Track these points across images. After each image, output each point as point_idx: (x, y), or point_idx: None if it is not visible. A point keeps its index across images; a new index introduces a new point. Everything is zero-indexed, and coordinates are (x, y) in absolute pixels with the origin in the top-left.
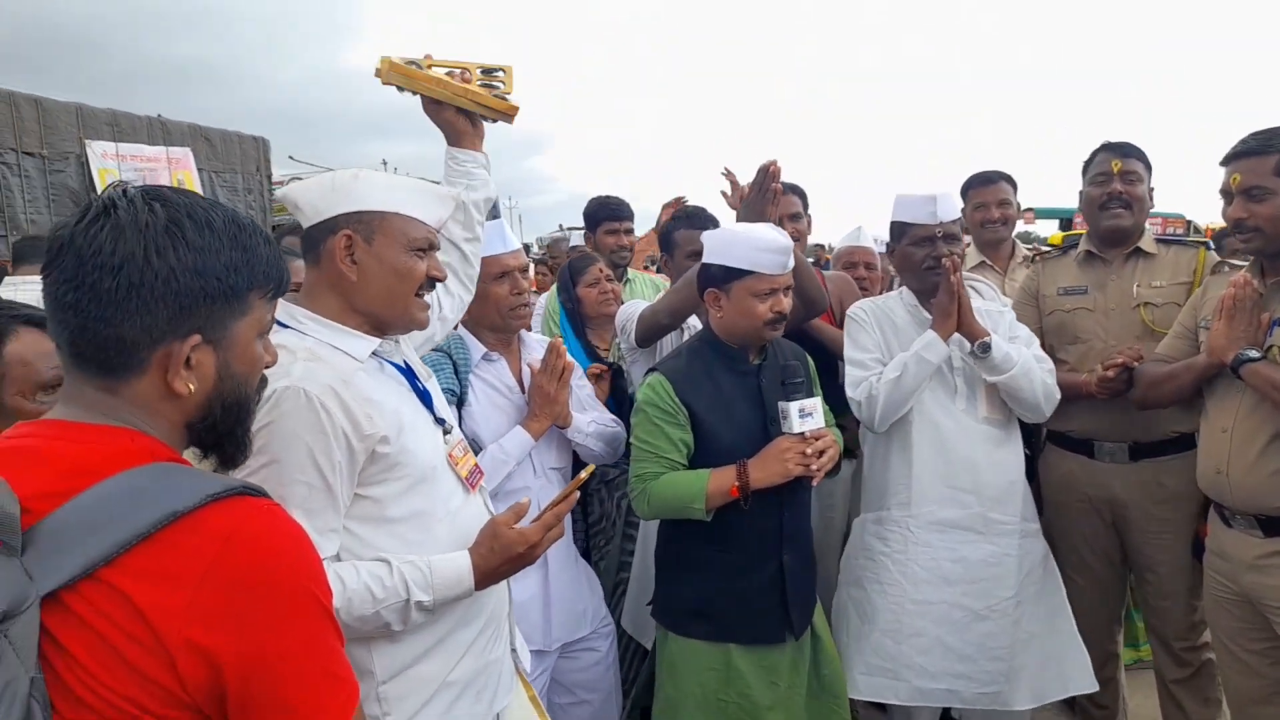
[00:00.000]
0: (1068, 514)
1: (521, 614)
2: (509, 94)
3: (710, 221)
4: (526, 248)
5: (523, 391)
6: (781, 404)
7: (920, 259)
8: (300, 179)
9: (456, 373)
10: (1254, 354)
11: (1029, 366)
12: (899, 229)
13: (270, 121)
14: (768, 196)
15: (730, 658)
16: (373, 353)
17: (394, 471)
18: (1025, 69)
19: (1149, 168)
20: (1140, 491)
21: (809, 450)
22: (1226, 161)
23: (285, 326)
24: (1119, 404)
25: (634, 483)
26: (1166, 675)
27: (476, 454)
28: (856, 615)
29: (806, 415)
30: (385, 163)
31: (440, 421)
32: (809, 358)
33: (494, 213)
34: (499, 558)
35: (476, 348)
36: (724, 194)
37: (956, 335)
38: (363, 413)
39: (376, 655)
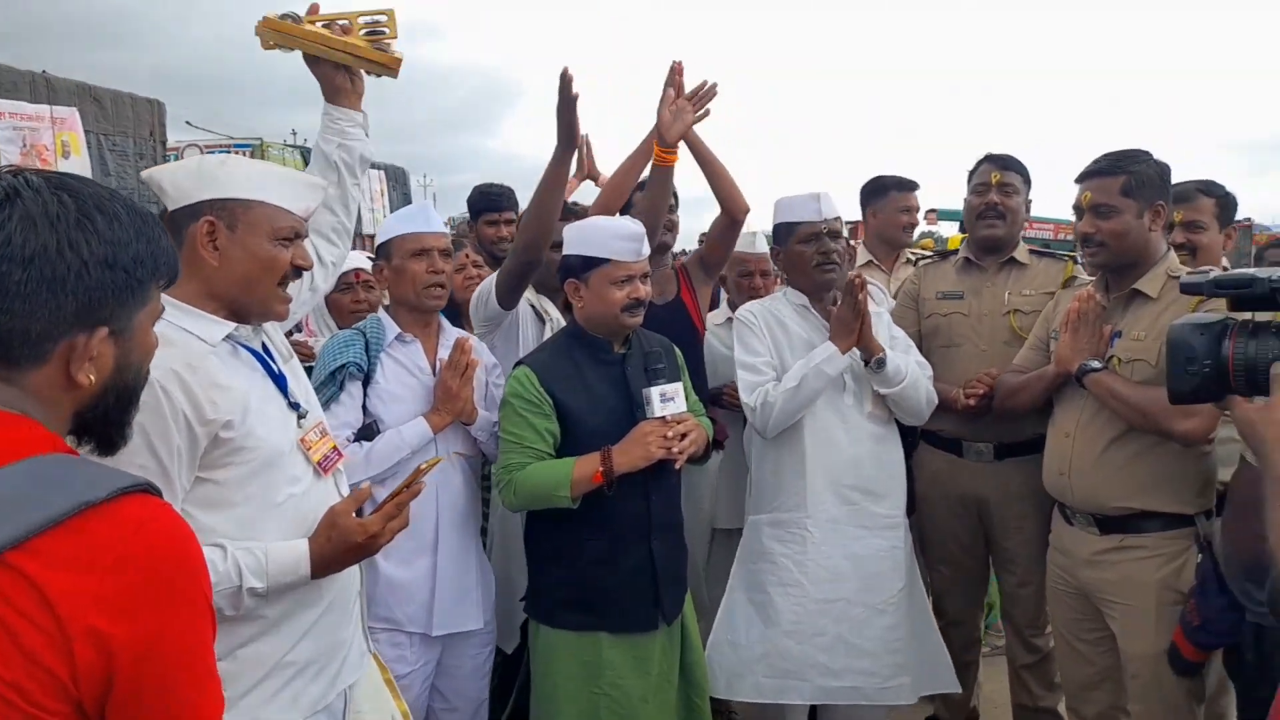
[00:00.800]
0: (938, 509)
1: (406, 595)
2: (393, 40)
3: (576, 214)
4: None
5: (435, 377)
6: (644, 389)
7: (809, 256)
8: (197, 146)
9: (367, 349)
10: (1096, 364)
11: (916, 378)
12: (785, 230)
13: (170, 84)
14: (567, 101)
15: (601, 648)
16: (227, 336)
17: (238, 455)
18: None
19: (1027, 181)
20: (1003, 489)
21: (670, 433)
22: (1080, 179)
23: None
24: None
25: (500, 474)
26: (1017, 660)
27: (375, 435)
28: (760, 620)
29: (668, 399)
30: (295, 133)
31: (295, 406)
32: (676, 349)
33: (404, 184)
34: (336, 547)
35: (392, 329)
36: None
37: None
38: (206, 397)
39: None
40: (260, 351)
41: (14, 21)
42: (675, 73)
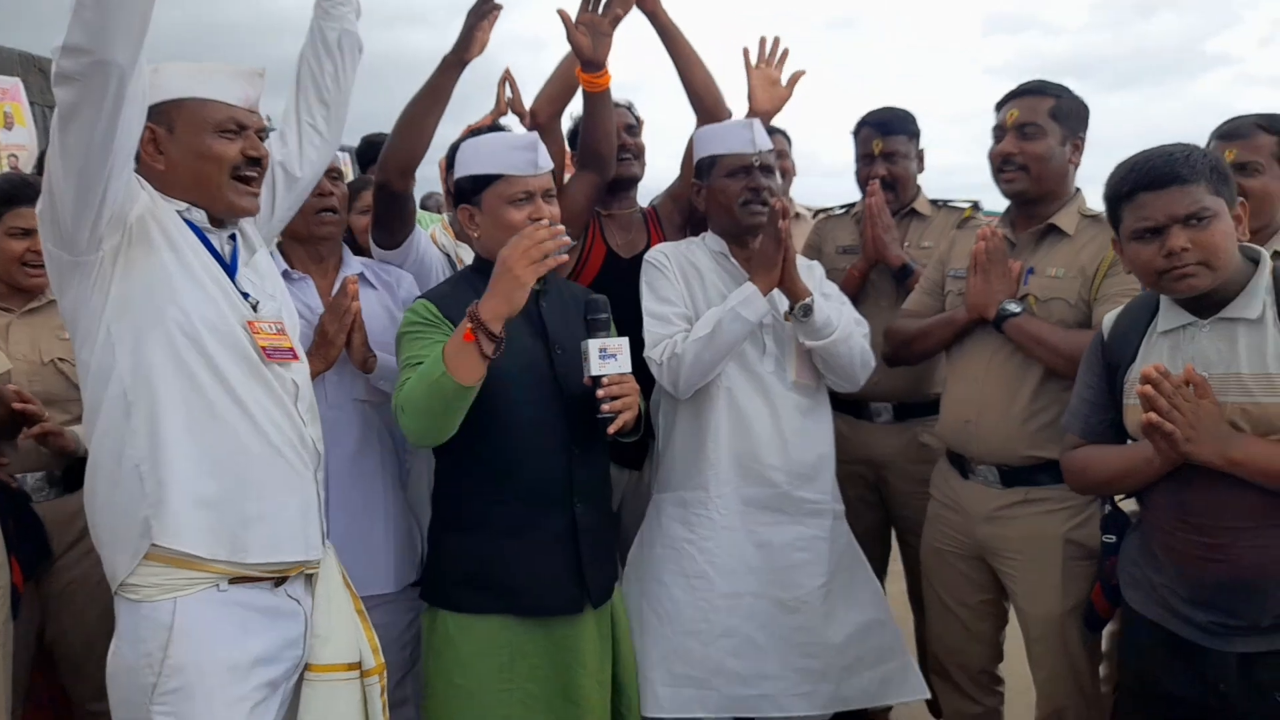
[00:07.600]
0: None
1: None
2: None
3: None
4: None
5: None
6: (584, 342)
7: (737, 191)
8: None
9: None
10: (1015, 308)
11: (849, 331)
12: (708, 163)
13: None
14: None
15: (514, 635)
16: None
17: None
18: None
19: (914, 134)
20: (900, 452)
21: (615, 390)
22: (1003, 103)
23: None
24: (887, 366)
25: (395, 400)
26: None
27: None
28: (654, 615)
29: (608, 356)
30: (268, 118)
31: (245, 295)
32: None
33: None
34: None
35: (280, 263)
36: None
37: (775, 291)
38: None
39: None
40: (204, 233)
41: None
42: None
